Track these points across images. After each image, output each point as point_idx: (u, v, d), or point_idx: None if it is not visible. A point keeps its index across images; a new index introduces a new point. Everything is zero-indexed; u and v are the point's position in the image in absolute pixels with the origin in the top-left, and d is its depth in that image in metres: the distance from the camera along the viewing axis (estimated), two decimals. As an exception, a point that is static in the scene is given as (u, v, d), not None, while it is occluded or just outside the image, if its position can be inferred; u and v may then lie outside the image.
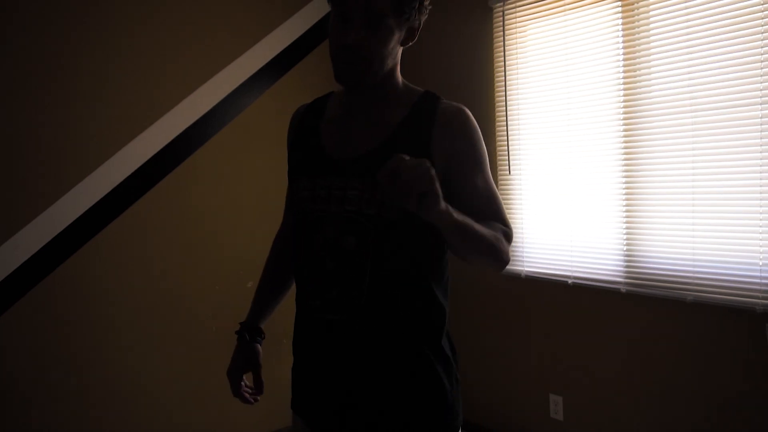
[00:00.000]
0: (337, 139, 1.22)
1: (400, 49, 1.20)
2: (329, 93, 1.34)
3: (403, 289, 1.17)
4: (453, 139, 1.17)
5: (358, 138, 1.19)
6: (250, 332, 1.42)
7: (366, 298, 1.14)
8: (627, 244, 2.46)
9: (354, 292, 1.15)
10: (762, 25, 2.04)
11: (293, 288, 1.36)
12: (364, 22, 1.09)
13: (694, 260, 2.25)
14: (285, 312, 2.75)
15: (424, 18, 1.18)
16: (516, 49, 2.79)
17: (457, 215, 1.06)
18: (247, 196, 2.89)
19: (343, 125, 1.23)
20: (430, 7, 1.19)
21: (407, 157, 0.96)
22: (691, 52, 2.22)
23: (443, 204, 1.01)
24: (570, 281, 2.64)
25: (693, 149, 2.24)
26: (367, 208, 1.13)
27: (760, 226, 2.08)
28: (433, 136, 1.15)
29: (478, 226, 1.11)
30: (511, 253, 1.23)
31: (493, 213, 1.20)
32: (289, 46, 2.99)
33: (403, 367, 1.18)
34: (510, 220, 1.27)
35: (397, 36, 1.14)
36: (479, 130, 1.21)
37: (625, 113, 2.43)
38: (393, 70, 1.20)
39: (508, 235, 1.21)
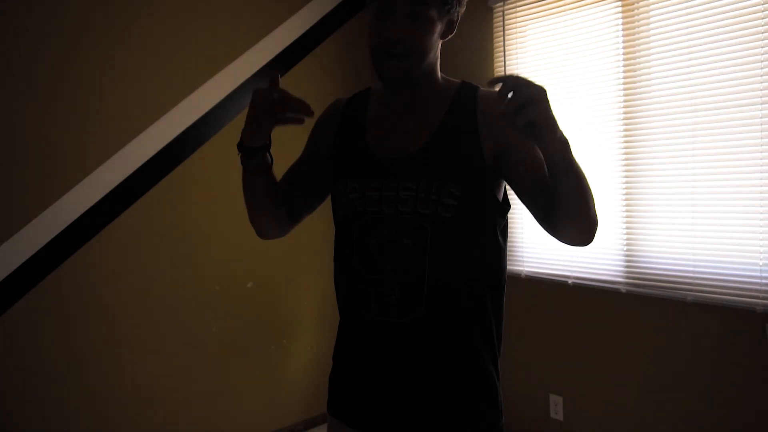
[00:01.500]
0: (383, 140, 1.20)
1: (440, 43, 1.18)
2: (368, 89, 1.32)
3: (461, 288, 1.15)
4: (499, 122, 1.12)
5: (404, 137, 1.17)
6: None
7: (425, 299, 1.13)
8: (627, 244, 2.46)
9: (414, 294, 1.13)
10: (762, 25, 2.04)
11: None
12: (407, 15, 1.09)
13: (694, 260, 2.26)
14: (283, 314, 2.75)
15: (462, 10, 1.16)
16: (516, 49, 2.79)
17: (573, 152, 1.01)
18: (247, 196, 2.88)
19: (387, 125, 1.21)
20: None
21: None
22: (691, 52, 2.22)
23: (560, 132, 0.96)
24: (570, 281, 2.64)
25: (693, 149, 2.24)
26: (422, 209, 1.11)
27: (760, 226, 2.08)
28: (479, 123, 1.14)
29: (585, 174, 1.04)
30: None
31: None
32: (289, 46, 2.99)
33: (461, 367, 1.17)
34: None
35: (439, 28, 1.13)
36: None
37: (625, 113, 2.43)
38: (434, 65, 1.19)
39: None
